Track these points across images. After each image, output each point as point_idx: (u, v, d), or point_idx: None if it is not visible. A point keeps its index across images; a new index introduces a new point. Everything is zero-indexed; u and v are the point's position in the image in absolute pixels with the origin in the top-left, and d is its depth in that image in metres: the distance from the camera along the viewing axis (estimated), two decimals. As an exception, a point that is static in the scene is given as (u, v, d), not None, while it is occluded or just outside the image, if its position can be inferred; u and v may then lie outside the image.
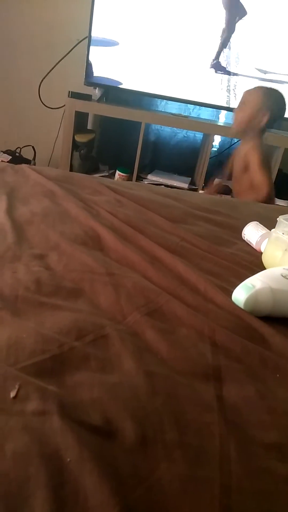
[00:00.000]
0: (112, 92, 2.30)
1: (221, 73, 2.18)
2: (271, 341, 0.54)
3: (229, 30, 2.08)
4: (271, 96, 1.59)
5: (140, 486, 0.31)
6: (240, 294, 0.59)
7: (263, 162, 1.61)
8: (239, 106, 1.64)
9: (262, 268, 0.76)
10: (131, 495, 0.30)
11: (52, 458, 0.31)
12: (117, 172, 2.28)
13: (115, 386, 0.40)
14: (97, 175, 2.22)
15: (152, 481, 0.32)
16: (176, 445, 0.35)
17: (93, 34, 2.08)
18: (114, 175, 2.31)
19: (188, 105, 2.39)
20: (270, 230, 0.85)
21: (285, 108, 1.61)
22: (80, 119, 2.25)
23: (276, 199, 2.31)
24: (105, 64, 2.15)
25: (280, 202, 2.31)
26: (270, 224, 0.88)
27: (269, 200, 1.61)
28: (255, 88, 1.64)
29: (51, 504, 0.27)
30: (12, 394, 0.35)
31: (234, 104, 2.07)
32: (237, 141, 2.45)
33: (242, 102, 1.62)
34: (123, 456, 0.33)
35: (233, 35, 2.11)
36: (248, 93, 1.61)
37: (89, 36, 2.09)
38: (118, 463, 0.32)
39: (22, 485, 0.29)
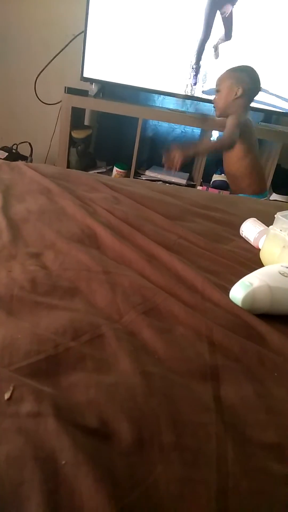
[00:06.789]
0: (108, 88, 2.28)
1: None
2: (269, 339, 0.53)
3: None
4: (238, 71, 1.69)
5: (136, 489, 0.31)
6: (238, 292, 0.59)
7: (235, 124, 1.64)
8: (216, 93, 1.75)
9: (260, 265, 0.75)
10: (127, 498, 0.30)
11: (47, 461, 0.30)
12: (115, 168, 2.27)
13: (111, 387, 0.39)
14: (94, 172, 2.21)
15: (148, 484, 0.31)
16: (172, 447, 0.35)
17: (88, 29, 2.06)
18: (112, 171, 2.30)
19: (186, 100, 2.37)
20: (268, 226, 0.84)
21: (257, 79, 1.70)
22: (77, 115, 2.23)
23: (274, 193, 2.31)
24: (101, 59, 2.13)
25: (278, 197, 2.30)
26: (268, 220, 0.87)
27: (221, 146, 1.73)
28: (223, 72, 1.76)
29: (45, 509, 0.27)
30: (7, 395, 0.35)
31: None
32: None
33: (217, 88, 1.73)
34: (119, 459, 0.33)
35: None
36: (219, 79, 1.73)
37: (85, 31, 2.07)
38: (114, 465, 0.32)
39: (16, 489, 0.28)
